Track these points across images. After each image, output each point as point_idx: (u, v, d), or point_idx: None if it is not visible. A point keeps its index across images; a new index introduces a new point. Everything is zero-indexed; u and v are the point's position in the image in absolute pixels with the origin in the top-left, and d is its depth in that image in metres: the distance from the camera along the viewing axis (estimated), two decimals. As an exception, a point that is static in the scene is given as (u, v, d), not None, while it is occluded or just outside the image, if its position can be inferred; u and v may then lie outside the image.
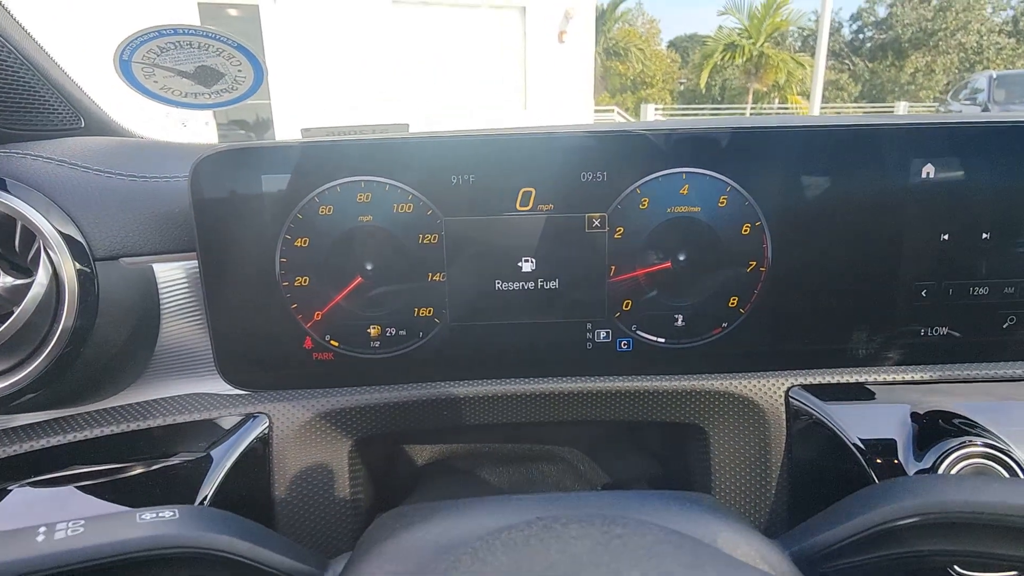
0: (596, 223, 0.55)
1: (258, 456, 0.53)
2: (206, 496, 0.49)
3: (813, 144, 0.54)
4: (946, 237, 0.55)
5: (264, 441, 0.54)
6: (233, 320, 0.55)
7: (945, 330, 0.57)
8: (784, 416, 0.56)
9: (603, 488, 0.67)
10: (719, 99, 20.67)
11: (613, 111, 13.74)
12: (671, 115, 14.32)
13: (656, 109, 13.49)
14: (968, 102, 10.74)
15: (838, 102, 21.64)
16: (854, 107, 18.78)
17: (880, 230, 0.55)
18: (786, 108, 17.20)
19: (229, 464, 0.51)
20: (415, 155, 0.53)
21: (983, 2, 22.18)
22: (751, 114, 16.25)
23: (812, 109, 11.98)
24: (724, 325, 0.56)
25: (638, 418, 0.58)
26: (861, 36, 25.79)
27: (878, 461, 0.51)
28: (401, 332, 0.56)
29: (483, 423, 0.59)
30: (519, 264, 0.55)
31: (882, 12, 24.79)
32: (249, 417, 0.54)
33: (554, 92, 10.10)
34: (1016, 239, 0.55)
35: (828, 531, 0.34)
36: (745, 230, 0.55)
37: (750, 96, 17.99)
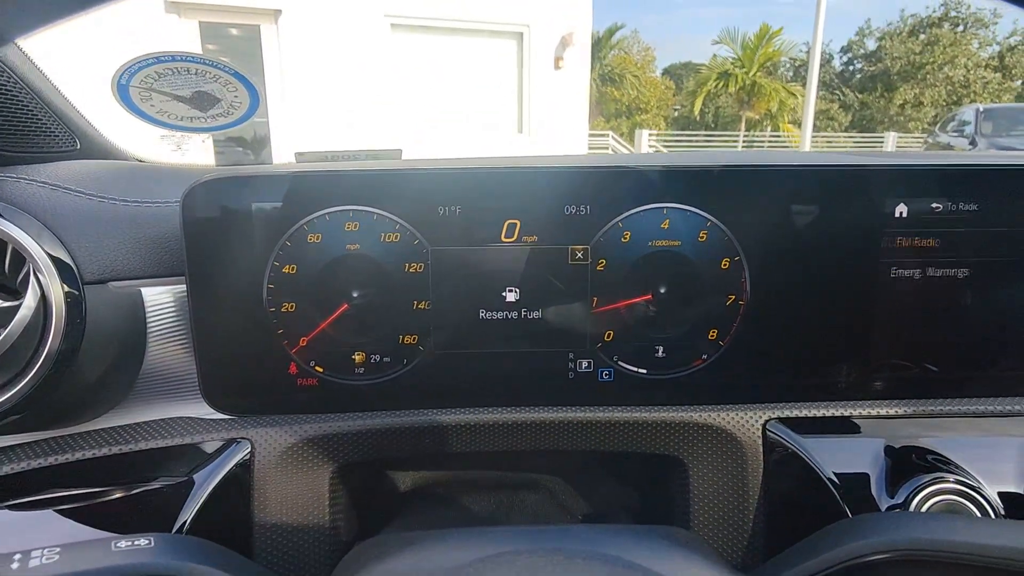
0: (579, 255, 0.56)
1: (239, 481, 0.53)
2: (185, 522, 0.49)
3: (790, 182, 0.55)
4: (919, 275, 0.57)
5: (246, 466, 0.54)
6: (219, 344, 0.55)
7: (922, 365, 0.58)
8: (761, 449, 0.56)
9: (583, 517, 0.68)
10: (712, 126, 21.00)
11: (608, 136, 13.91)
12: (665, 141, 14.52)
13: (650, 135, 13.67)
14: (956, 134, 10.95)
15: (829, 131, 22.01)
16: (844, 136, 19.11)
17: (856, 267, 0.56)
18: (778, 136, 17.48)
19: (209, 490, 0.51)
20: (403, 186, 0.54)
21: (969, 37, 22.78)
22: (743, 141, 16.50)
23: (804, 137, 12.18)
24: (704, 357, 0.57)
25: (619, 449, 0.59)
26: (851, 68, 26.37)
27: (852, 495, 0.52)
28: (386, 359, 0.57)
29: (465, 451, 0.59)
30: (503, 294, 0.56)
31: (871, 45, 25.40)
32: (232, 442, 0.54)
33: (550, 117, 10.22)
34: (994, 277, 0.57)
35: (799, 565, 0.35)
36: (724, 264, 0.56)
37: (743, 124, 18.29)
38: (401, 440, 0.57)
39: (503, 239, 0.55)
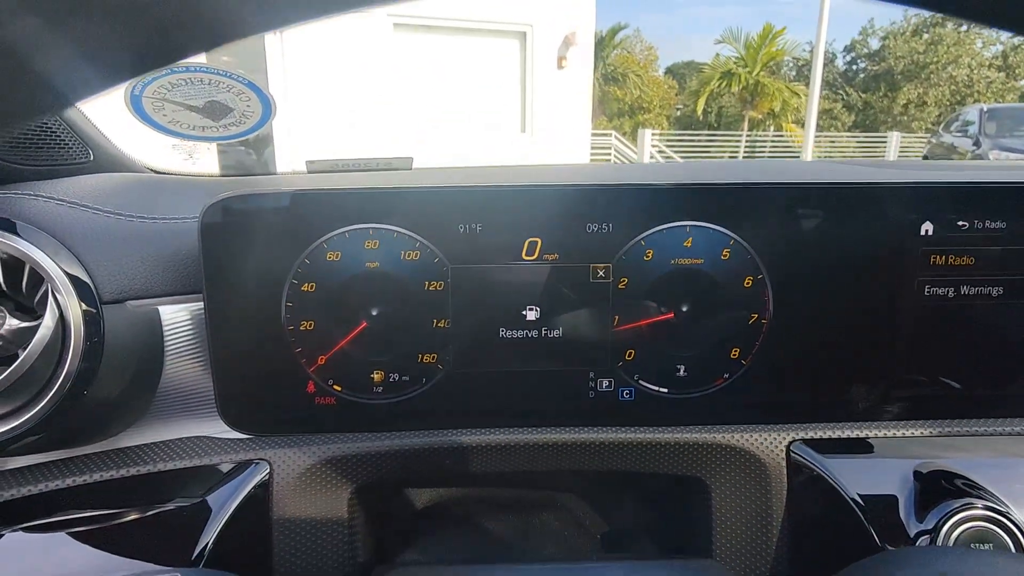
0: (601, 273, 0.55)
1: (258, 504, 0.53)
2: (206, 546, 0.49)
3: (814, 200, 0.55)
4: (953, 293, 0.56)
5: (264, 488, 0.53)
6: (236, 363, 0.55)
7: (949, 385, 0.57)
8: (785, 471, 0.56)
9: (602, 538, 0.67)
10: (715, 125, 20.95)
11: (611, 135, 13.88)
12: (668, 141, 14.49)
13: (653, 134, 13.64)
14: (959, 134, 10.92)
15: (832, 131, 21.97)
16: (848, 136, 19.05)
17: (881, 285, 0.55)
18: (781, 136, 17.43)
19: (229, 513, 0.50)
20: (423, 204, 0.54)
21: (973, 37, 22.69)
22: (746, 141, 16.46)
23: (807, 138, 12.15)
24: (726, 376, 0.57)
25: (639, 469, 0.58)
26: (855, 67, 26.29)
27: (878, 520, 0.51)
28: (404, 378, 0.56)
29: (484, 471, 0.58)
30: (523, 312, 0.55)
31: (875, 44, 25.32)
32: (250, 463, 0.54)
33: (553, 116, 10.21)
34: (1022, 295, 0.56)
35: None
36: (747, 283, 0.55)
37: (746, 123, 18.24)
38: (420, 460, 0.57)
39: (524, 257, 0.55)
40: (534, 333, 0.56)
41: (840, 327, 0.56)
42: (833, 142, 17.82)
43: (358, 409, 0.56)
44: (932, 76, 22.27)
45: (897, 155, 14.33)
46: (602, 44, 19.91)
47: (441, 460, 0.57)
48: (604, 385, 0.57)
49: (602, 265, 0.55)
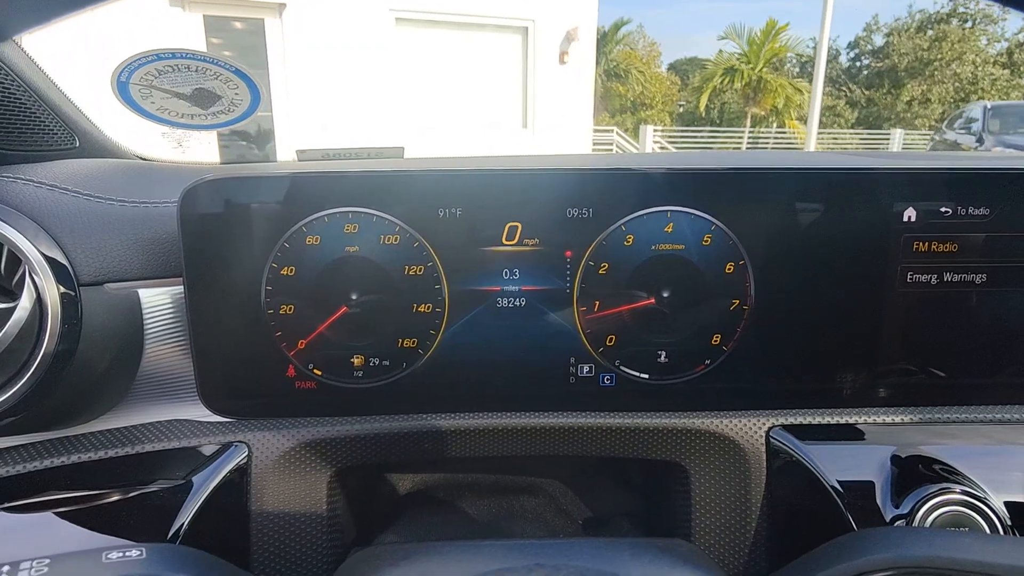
0: (580, 259, 0.55)
1: (236, 486, 0.53)
2: (181, 526, 0.49)
3: (796, 186, 0.54)
4: (936, 279, 0.56)
5: (243, 471, 0.53)
6: (216, 346, 0.55)
7: (930, 372, 0.57)
8: (764, 457, 0.56)
9: (584, 522, 0.67)
10: (718, 122, 20.90)
11: (613, 131, 13.86)
12: (670, 137, 14.46)
13: (655, 131, 13.61)
14: (963, 131, 10.88)
15: (835, 128, 21.89)
16: (851, 133, 19.00)
17: (864, 271, 0.55)
18: (783, 132, 17.39)
19: (206, 494, 0.50)
20: (402, 187, 0.54)
21: (978, 33, 22.58)
22: (749, 137, 16.41)
23: (809, 134, 12.11)
24: (707, 362, 0.57)
25: (620, 455, 0.58)
26: (858, 64, 26.18)
27: (856, 505, 0.51)
28: (385, 362, 0.56)
29: (465, 455, 0.58)
30: (503, 298, 0.55)
31: (879, 41, 25.20)
32: (229, 445, 0.54)
33: (554, 112, 10.19)
34: (1009, 282, 0.56)
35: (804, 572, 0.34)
36: (729, 269, 0.55)
37: (748, 120, 18.20)
38: (400, 444, 0.57)
39: (504, 242, 0.55)
40: (515, 318, 0.56)
41: (822, 313, 0.56)
42: (836, 139, 17.76)
43: (338, 393, 0.56)
44: (936, 73, 22.17)
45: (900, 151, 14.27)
46: (604, 40, 19.86)
47: (420, 444, 0.57)
48: (584, 371, 0.57)
49: (582, 250, 0.55)
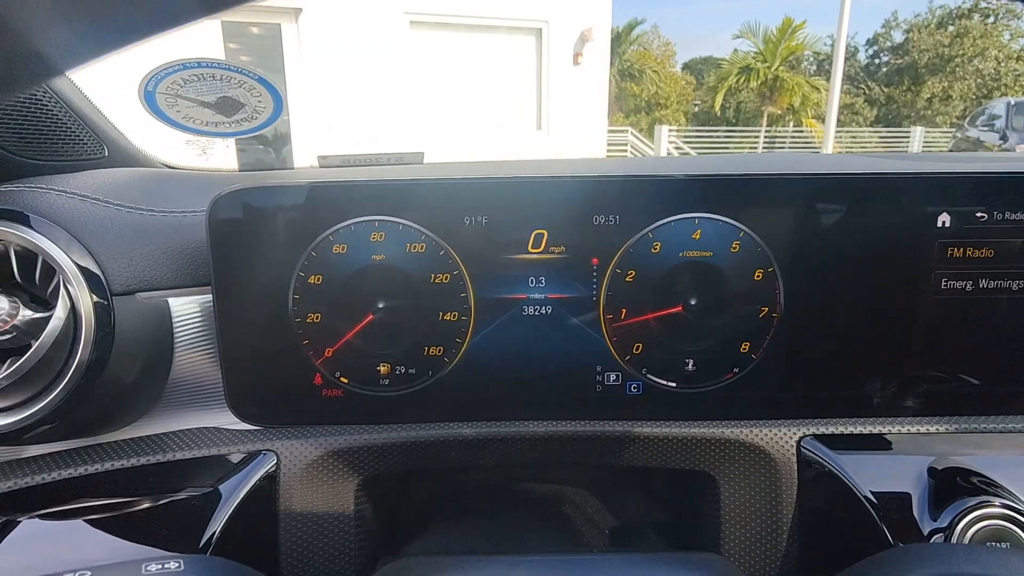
0: (607, 266, 0.55)
1: (265, 494, 0.53)
2: (213, 534, 0.49)
3: (825, 191, 0.54)
4: (971, 286, 0.54)
5: (271, 479, 0.54)
6: (245, 354, 0.55)
7: (965, 381, 0.56)
8: (796, 467, 0.55)
9: (610, 533, 0.66)
10: (734, 121, 20.71)
11: (627, 132, 13.79)
12: (685, 137, 14.36)
13: (670, 130, 13.52)
14: (986, 128, 10.67)
15: (853, 126, 21.58)
16: (870, 131, 18.73)
17: (896, 277, 0.54)
18: (800, 132, 17.18)
19: (236, 502, 0.51)
20: (428, 196, 0.54)
21: (1000, 28, 22.14)
22: (765, 137, 16.25)
23: (827, 133, 11.95)
24: (736, 371, 0.56)
25: (648, 464, 0.57)
26: (877, 61, 25.80)
27: (891, 517, 0.50)
28: (411, 370, 0.56)
29: (491, 464, 0.58)
30: (530, 306, 0.55)
31: (898, 37, 24.82)
32: (257, 454, 0.54)
33: (569, 113, 10.17)
34: None
35: None
36: (758, 276, 0.54)
37: (764, 119, 18.01)
38: (427, 453, 0.57)
39: (530, 249, 0.54)
40: (541, 326, 0.55)
41: (853, 321, 0.55)
42: (855, 137, 17.51)
43: (365, 401, 0.56)
44: (958, 69, 21.78)
45: (920, 150, 14.06)
46: (619, 40, 19.80)
47: (447, 452, 0.57)
48: (611, 379, 0.56)
49: (608, 258, 0.54)
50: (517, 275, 0.55)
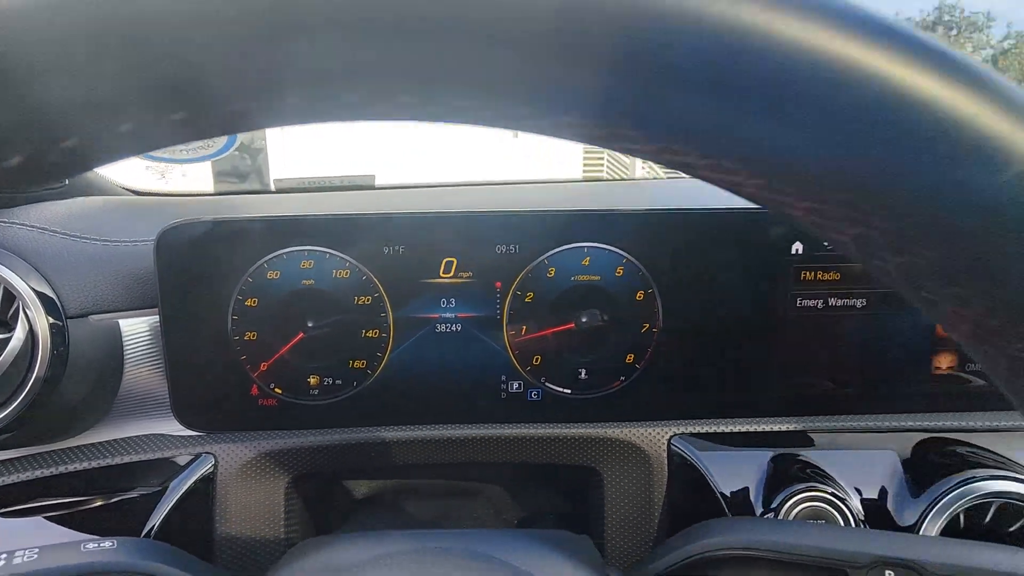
0: (509, 289, 0.63)
1: (203, 491, 0.60)
2: (153, 526, 0.56)
3: (695, 224, 0.62)
4: (822, 304, 0.64)
5: (209, 478, 0.61)
6: (188, 369, 0.62)
7: (815, 385, 0.65)
8: (666, 462, 0.63)
9: (518, 522, 0.75)
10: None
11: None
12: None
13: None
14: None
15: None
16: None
17: (759, 297, 0.63)
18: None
19: (175, 498, 0.58)
20: (352, 229, 0.61)
21: (963, 41, 22.95)
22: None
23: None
24: (622, 379, 0.64)
25: (544, 461, 0.66)
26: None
27: (736, 502, 0.59)
28: (338, 381, 0.64)
29: (409, 463, 0.66)
30: (442, 325, 0.63)
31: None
32: (198, 456, 0.61)
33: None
34: (885, 307, 0.63)
35: (658, 560, 0.42)
36: (639, 296, 0.63)
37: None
38: (350, 454, 0.64)
39: (442, 275, 0.62)
40: (452, 342, 0.63)
41: (723, 335, 0.64)
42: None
43: (296, 409, 0.64)
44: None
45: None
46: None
47: (368, 454, 0.64)
48: (514, 387, 0.65)
49: (510, 281, 0.63)
50: (430, 297, 0.63)
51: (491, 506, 0.75)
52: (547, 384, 0.65)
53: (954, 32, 23.23)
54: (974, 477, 0.57)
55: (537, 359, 0.64)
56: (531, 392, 0.65)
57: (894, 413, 0.64)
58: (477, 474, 0.73)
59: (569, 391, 0.65)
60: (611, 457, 0.65)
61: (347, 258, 0.61)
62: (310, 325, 0.63)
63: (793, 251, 0.63)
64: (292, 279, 0.61)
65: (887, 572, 0.35)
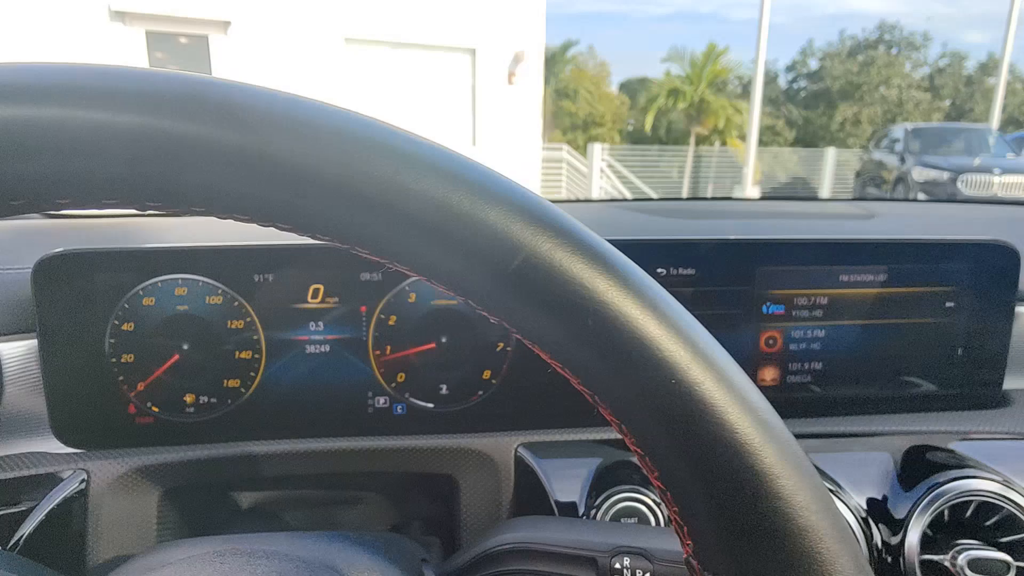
0: (374, 313, 0.69)
1: (74, 507, 0.64)
2: (20, 537, 0.60)
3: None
4: None
5: (81, 494, 0.64)
6: (67, 390, 0.66)
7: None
8: (512, 469, 0.70)
9: (391, 528, 0.80)
10: (665, 140, 21.69)
11: (562, 149, 14.21)
12: (618, 155, 14.93)
13: (602, 148, 14.03)
14: (887, 151, 11.65)
15: (775, 146, 23.00)
16: (790, 151, 20.02)
17: None
18: (726, 152, 18.18)
19: (43, 515, 0.61)
20: (224, 259, 0.66)
21: (902, 59, 24.17)
22: (694, 155, 17.07)
23: (748, 153, 12.72)
24: (480, 393, 0.71)
25: (409, 470, 0.72)
26: (796, 86, 27.61)
27: (564, 504, 0.66)
28: (213, 400, 0.68)
29: (282, 475, 0.71)
30: (311, 346, 0.68)
31: (814, 64, 26.65)
32: (71, 472, 0.65)
33: (503, 130, 10.41)
34: (713, 328, 0.72)
35: (458, 557, 0.48)
36: (493, 318, 0.70)
37: (692, 139, 18.97)
38: (225, 467, 0.69)
39: (310, 300, 0.68)
40: (321, 362, 0.69)
41: None
42: (776, 157, 18.64)
43: (173, 427, 0.68)
44: (866, 96, 23.57)
45: (833, 170, 15.12)
46: (555, 60, 20.37)
47: (239, 467, 0.69)
48: (380, 402, 0.70)
49: (374, 306, 0.69)
50: (300, 320, 0.68)
51: (367, 512, 0.80)
52: (411, 399, 0.71)
53: (895, 51, 24.46)
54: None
55: (401, 376, 0.70)
56: (396, 407, 0.71)
57: None
58: (355, 483, 0.79)
59: (432, 405, 0.71)
60: (466, 465, 0.71)
61: (219, 285, 0.66)
62: (185, 348, 0.67)
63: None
64: (167, 305, 0.66)
65: (624, 558, 0.42)
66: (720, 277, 0.72)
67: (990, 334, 0.77)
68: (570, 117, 22.15)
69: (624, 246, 0.63)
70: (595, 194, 13.08)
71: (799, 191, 16.22)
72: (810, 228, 1.07)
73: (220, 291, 0.66)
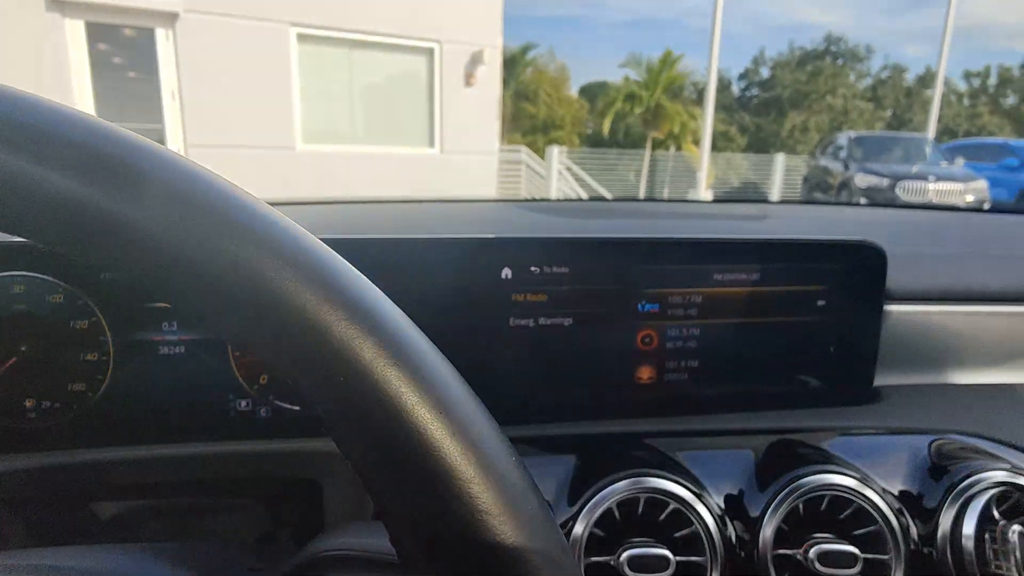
0: None
1: None
2: None
3: (419, 252, 0.68)
4: (531, 323, 0.71)
5: None
6: None
7: (534, 396, 0.72)
8: None
9: (258, 538, 0.78)
10: (623, 144, 22.01)
11: (521, 151, 14.25)
12: (577, 158, 15.08)
13: (561, 151, 14.14)
14: (832, 158, 12.11)
15: (728, 152, 23.62)
16: (741, 156, 20.61)
17: (478, 319, 0.69)
18: (681, 156, 18.58)
19: None
20: (62, 255, 0.62)
21: (847, 70, 25.21)
22: (650, 160, 17.38)
23: (702, 159, 13.04)
24: None
25: (272, 474, 0.69)
26: (748, 93, 28.46)
27: None
28: (56, 404, 0.64)
29: (137, 483, 0.67)
30: (164, 348, 0.65)
31: (765, 73, 27.53)
32: None
33: (461, 131, 10.35)
34: (589, 325, 0.71)
35: (292, 559, 0.46)
36: None
37: (649, 143, 19.31)
38: (70, 475, 0.65)
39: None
40: (177, 363, 0.65)
41: (457, 351, 0.69)
42: (729, 162, 19.15)
43: (12, 433, 0.63)
44: (813, 104, 24.50)
45: (782, 176, 15.63)
46: (514, 62, 20.45)
47: (90, 474, 0.65)
48: (243, 405, 0.68)
49: None
50: (151, 320, 0.65)
51: (234, 521, 0.77)
52: (276, 402, 0.68)
53: (840, 62, 25.48)
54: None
55: (264, 378, 0.67)
56: (261, 410, 0.68)
57: (604, 419, 0.72)
58: (221, 490, 0.75)
59: (299, 407, 0.68)
60: (329, 469, 0.69)
61: (59, 283, 0.62)
62: (23, 349, 0.63)
63: (503, 276, 0.70)
64: (2, 304, 0.62)
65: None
66: (596, 275, 0.72)
67: (860, 332, 0.79)
68: (530, 119, 22.23)
69: (485, 243, 0.61)
70: (553, 196, 13.17)
71: (750, 195, 16.71)
72: (699, 228, 1.09)
73: (61, 288, 0.62)
